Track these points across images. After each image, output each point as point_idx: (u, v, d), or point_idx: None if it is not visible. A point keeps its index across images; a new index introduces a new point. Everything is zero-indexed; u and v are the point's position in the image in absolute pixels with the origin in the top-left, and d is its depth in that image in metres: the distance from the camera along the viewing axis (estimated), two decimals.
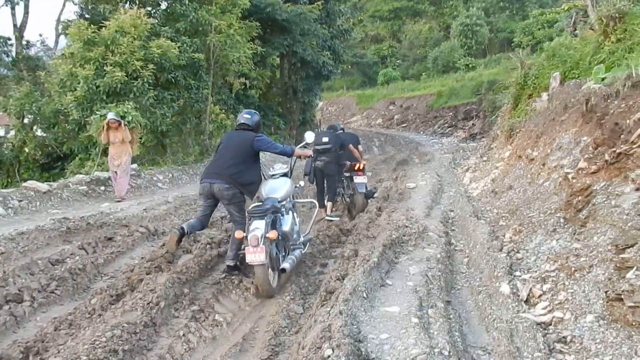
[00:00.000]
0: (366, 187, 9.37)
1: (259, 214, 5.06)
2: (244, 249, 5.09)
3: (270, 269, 5.09)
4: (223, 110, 16.59)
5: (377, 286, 4.82)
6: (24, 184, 8.54)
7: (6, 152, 12.62)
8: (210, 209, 5.74)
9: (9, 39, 16.00)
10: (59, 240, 6.60)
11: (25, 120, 12.23)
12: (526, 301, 4.64)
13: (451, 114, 28.49)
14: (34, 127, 12.40)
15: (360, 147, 9.73)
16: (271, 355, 3.98)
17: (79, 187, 9.41)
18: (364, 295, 4.45)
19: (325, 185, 8.88)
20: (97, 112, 10.41)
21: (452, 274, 5.78)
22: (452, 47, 36.87)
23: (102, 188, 9.79)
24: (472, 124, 25.70)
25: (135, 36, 11.28)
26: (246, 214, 5.46)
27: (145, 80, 11.08)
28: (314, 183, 8.91)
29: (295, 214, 5.99)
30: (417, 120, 31.80)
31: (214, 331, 4.49)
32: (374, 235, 6.88)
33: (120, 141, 9.66)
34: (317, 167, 8.65)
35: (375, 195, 11.23)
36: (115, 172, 9.58)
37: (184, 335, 4.26)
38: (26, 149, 12.59)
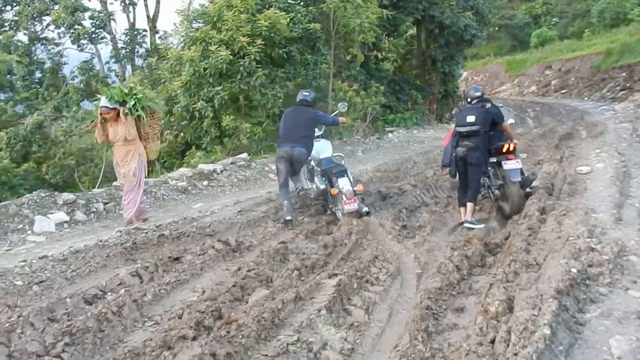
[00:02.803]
0: (522, 173, 6.78)
1: (342, 173, 6.29)
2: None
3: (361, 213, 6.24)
4: (352, 87, 14.59)
5: None
6: (114, 183, 7.39)
7: None
8: (288, 171, 6.59)
9: (145, 30, 15.55)
10: (120, 260, 5.16)
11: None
12: None
13: (624, 74, 23.61)
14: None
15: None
16: None
17: (179, 183, 8.09)
18: None
19: (467, 178, 6.50)
20: (201, 98, 9.02)
21: None
22: None
23: (205, 183, 8.39)
24: None
25: (242, 9, 9.68)
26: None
27: (253, 57, 9.44)
28: (456, 176, 6.60)
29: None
30: (579, 84, 27.08)
31: None
32: (537, 260, 4.45)
33: (123, 140, 6.37)
34: (458, 155, 6.41)
35: (535, 183, 8.50)
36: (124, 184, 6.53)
37: None
38: None
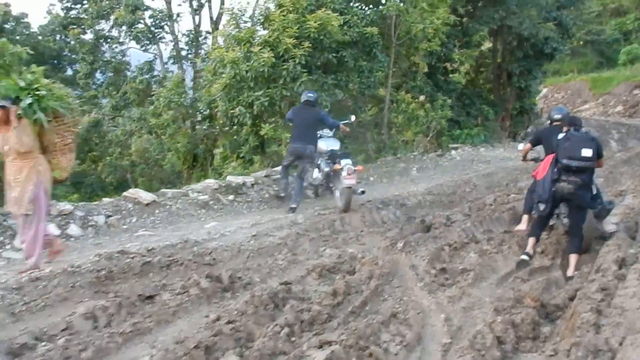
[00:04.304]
0: (597, 200, 5.62)
1: (346, 155, 6.97)
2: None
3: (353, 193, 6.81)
4: (416, 99, 13.15)
5: None
6: (124, 193, 6.53)
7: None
8: (294, 160, 7.20)
9: (208, 32, 14.90)
10: (88, 292, 4.18)
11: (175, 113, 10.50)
12: None
13: None
14: (186, 122, 10.71)
15: None
16: None
17: (200, 196, 7.10)
18: None
19: (566, 220, 5.61)
20: (240, 103, 8.03)
21: None
22: None
23: (230, 198, 7.35)
24: None
25: (291, 8, 8.59)
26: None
27: (298, 61, 8.31)
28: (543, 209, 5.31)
29: None
30: None
31: None
32: (610, 344, 3.06)
33: (16, 152, 4.53)
34: (560, 191, 5.11)
35: (614, 220, 6.90)
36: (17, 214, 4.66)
37: None
38: (177, 145, 11.06)
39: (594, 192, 5.72)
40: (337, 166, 6.80)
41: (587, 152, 4.97)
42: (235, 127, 8.96)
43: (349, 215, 6.84)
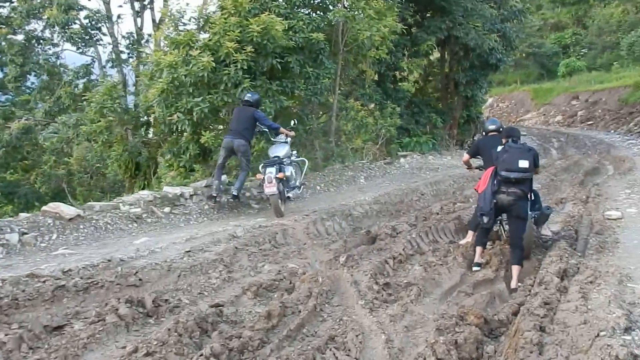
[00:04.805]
0: (536, 206, 5.77)
1: (270, 164, 7.08)
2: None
3: (279, 199, 7.01)
4: (365, 107, 12.97)
5: None
6: (44, 208, 5.90)
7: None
8: (227, 160, 7.58)
9: (150, 35, 14.16)
10: None
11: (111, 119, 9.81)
12: None
13: None
14: (122, 129, 10.05)
15: None
16: None
17: (132, 209, 6.55)
18: None
19: (506, 231, 5.83)
20: (179, 110, 7.57)
21: None
22: None
23: (166, 210, 6.85)
24: None
25: (233, 11, 8.19)
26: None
27: (240, 66, 7.92)
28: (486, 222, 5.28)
29: (292, 168, 7.60)
30: (606, 117, 25.12)
31: None
32: None
33: None
34: (500, 202, 5.19)
35: (555, 228, 7.00)
36: None
37: None
38: (113, 154, 10.39)
39: (533, 198, 5.83)
40: (258, 175, 7.05)
41: (524, 164, 5.06)
42: (174, 134, 8.45)
43: (292, 226, 6.50)
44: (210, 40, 8.04)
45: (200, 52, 7.90)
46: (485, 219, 5.15)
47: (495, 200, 5.16)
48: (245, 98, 7.49)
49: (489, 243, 5.96)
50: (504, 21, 18.39)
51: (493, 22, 17.48)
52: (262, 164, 7.25)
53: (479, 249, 5.54)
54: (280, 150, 7.56)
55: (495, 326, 4.02)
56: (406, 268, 5.39)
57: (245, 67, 8.06)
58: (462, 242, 6.12)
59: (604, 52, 35.06)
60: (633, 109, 23.14)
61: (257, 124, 7.45)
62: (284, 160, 7.43)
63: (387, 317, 4.05)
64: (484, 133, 6.30)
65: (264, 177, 6.84)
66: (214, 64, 7.82)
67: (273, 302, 4.11)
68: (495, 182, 5.21)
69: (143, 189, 9.53)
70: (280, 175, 6.92)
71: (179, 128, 8.07)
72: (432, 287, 4.87)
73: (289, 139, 7.82)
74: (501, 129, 6.10)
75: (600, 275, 4.60)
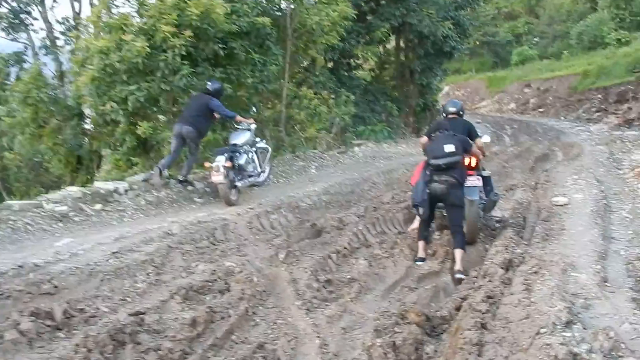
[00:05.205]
0: (483, 193, 5.80)
1: (221, 152, 6.91)
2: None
3: (229, 187, 6.79)
4: (318, 95, 12.61)
5: None
6: None
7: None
8: (181, 146, 7.20)
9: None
10: None
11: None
12: None
13: (600, 96, 22.36)
14: (50, 120, 9.33)
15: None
16: None
17: (58, 207, 5.99)
18: None
19: (445, 218, 5.66)
20: (112, 99, 7.04)
21: None
22: (601, 20, 29.44)
23: (97, 207, 6.32)
24: (628, 107, 19.58)
25: None
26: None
27: (178, 52, 7.42)
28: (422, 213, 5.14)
29: (252, 155, 7.53)
30: (556, 104, 25.64)
31: None
32: None
33: None
34: (434, 192, 5.04)
35: (500, 213, 6.93)
36: None
37: None
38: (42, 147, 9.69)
39: (484, 184, 5.84)
40: (206, 164, 6.95)
41: (449, 148, 4.97)
42: (109, 126, 7.88)
43: (234, 221, 6.10)
44: (145, 24, 7.49)
45: (135, 37, 7.35)
46: (421, 210, 5.04)
47: (428, 191, 5.01)
48: (206, 86, 7.41)
49: (437, 233, 5.76)
50: (457, 9, 18.37)
51: (447, 10, 17.43)
52: (214, 152, 7.16)
53: (421, 243, 5.32)
54: (239, 137, 7.43)
55: (437, 323, 3.78)
56: (350, 262, 5.10)
57: (185, 53, 7.57)
58: (411, 227, 5.97)
59: (554, 41, 35.87)
60: (582, 96, 23.68)
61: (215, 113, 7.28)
62: (243, 147, 7.31)
63: (325, 318, 3.75)
64: (444, 115, 5.97)
65: (211, 166, 6.68)
66: (149, 50, 7.29)
67: (200, 307, 3.73)
68: (427, 172, 5.09)
69: (86, 184, 8.91)
70: (228, 164, 6.66)
71: (114, 119, 7.51)
72: (375, 282, 4.60)
73: (252, 126, 7.67)
74: (462, 112, 5.86)
75: (545, 264, 4.43)
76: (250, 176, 7.41)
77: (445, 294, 4.46)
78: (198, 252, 5.14)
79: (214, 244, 5.42)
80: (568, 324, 3.16)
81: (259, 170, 7.68)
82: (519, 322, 3.26)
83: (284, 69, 10.25)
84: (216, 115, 7.38)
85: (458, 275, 4.82)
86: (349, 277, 4.69)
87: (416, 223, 6.11)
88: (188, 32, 7.52)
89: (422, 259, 5.23)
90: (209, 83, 7.42)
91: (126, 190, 6.78)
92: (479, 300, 3.70)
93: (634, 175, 9.24)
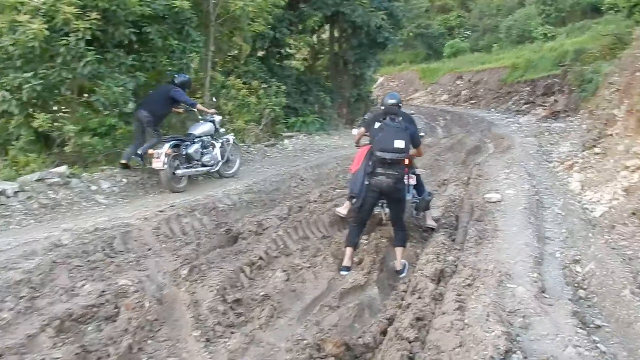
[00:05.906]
0: (416, 191, 5.80)
1: (167, 140, 7.12)
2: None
3: (169, 174, 6.95)
4: (247, 85, 11.94)
5: None
6: None
7: None
8: (142, 131, 7.42)
9: None
10: None
11: None
12: None
13: (528, 88, 22.91)
14: None
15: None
16: None
17: None
18: None
19: (386, 214, 5.53)
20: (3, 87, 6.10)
21: None
22: (528, 15, 30.49)
23: None
24: (554, 100, 20.07)
25: None
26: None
27: (82, 36, 6.54)
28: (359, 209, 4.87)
29: (215, 146, 7.85)
30: (487, 96, 26.18)
31: None
32: None
33: None
34: (377, 186, 4.73)
35: (436, 213, 6.73)
36: None
37: None
38: None
39: (416, 182, 5.78)
40: (150, 151, 7.00)
41: (399, 144, 4.63)
42: (2, 118, 6.88)
43: (139, 227, 5.39)
44: (44, 3, 6.54)
45: (31, 18, 6.39)
46: (355, 201, 4.85)
47: (368, 183, 4.71)
48: (174, 78, 7.74)
49: (364, 237, 5.35)
50: (391, 0, 18.15)
51: (380, 0, 17.16)
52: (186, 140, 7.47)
53: (348, 250, 4.90)
54: (197, 128, 7.75)
55: (359, 352, 3.36)
56: (266, 276, 4.59)
57: (90, 38, 6.69)
58: (338, 209, 6.00)
59: (485, 35, 36.65)
60: (511, 88, 24.23)
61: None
62: (201, 138, 7.62)
63: (226, 353, 3.21)
64: (382, 107, 5.54)
65: (153, 152, 6.91)
66: (47, 33, 6.36)
67: (69, 345, 3.08)
68: (370, 162, 4.73)
69: None
70: (169, 151, 6.89)
71: (7, 109, 6.54)
72: (291, 301, 4.11)
73: (215, 117, 8.05)
74: (400, 104, 5.43)
75: (479, 275, 4.14)
76: (204, 166, 7.59)
77: (370, 312, 4.04)
78: (89, 268, 4.42)
79: (110, 257, 4.71)
80: (507, 353, 2.82)
81: (218, 160, 7.82)
82: (452, 353, 2.89)
83: (207, 57, 9.50)
84: (180, 107, 7.78)
85: (401, 275, 4.80)
86: (262, 294, 4.17)
87: (345, 210, 5.78)
88: (94, 14, 6.64)
89: (347, 269, 4.82)
90: (176, 75, 7.77)
91: (16, 192, 5.90)
92: (406, 324, 3.30)
93: (564, 169, 9.33)
